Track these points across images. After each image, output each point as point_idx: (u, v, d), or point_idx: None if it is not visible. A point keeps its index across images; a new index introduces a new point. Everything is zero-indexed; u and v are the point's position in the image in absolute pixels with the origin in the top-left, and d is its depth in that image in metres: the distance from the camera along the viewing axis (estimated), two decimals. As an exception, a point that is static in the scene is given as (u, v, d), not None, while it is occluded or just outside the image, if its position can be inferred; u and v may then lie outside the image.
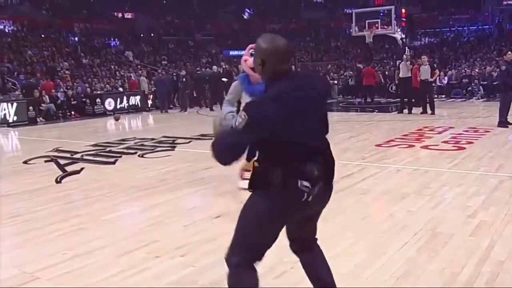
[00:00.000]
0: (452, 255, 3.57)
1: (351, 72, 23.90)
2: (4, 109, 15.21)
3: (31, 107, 15.86)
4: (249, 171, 5.51)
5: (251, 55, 5.49)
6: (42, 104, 16.51)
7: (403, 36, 27.90)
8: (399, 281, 3.16)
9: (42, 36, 26.39)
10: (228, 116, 5.54)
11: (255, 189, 2.26)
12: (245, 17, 34.79)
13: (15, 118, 15.37)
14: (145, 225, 4.64)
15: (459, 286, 3.07)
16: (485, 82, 20.90)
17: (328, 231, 4.27)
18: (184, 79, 18.57)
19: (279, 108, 2.11)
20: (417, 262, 3.47)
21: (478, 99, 19.83)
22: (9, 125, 15.07)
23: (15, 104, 15.52)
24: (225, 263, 2.31)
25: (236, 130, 2.11)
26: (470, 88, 21.15)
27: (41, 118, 16.23)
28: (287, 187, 2.18)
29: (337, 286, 2.52)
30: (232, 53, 34.11)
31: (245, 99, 5.57)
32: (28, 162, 8.21)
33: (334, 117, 12.28)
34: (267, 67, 2.22)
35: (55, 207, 5.33)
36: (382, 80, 21.32)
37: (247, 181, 5.11)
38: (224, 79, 17.52)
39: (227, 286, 2.32)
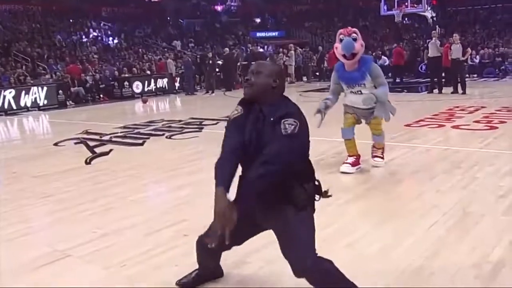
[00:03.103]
0: (483, 235, 3.50)
1: (379, 53, 23.40)
2: (35, 93, 15.46)
3: (60, 91, 16.13)
4: (354, 156, 5.45)
5: (340, 40, 5.28)
6: (72, 88, 16.76)
7: (434, 14, 27.28)
8: (428, 261, 3.11)
9: (71, 21, 26.68)
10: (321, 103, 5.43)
11: (303, 204, 2.39)
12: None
13: (45, 101, 15.62)
14: (173, 204, 4.69)
15: (490, 266, 3.02)
16: (520, 61, 20.31)
17: (356, 211, 4.25)
18: (210, 62, 18.55)
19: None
20: (447, 242, 3.42)
21: (512, 78, 19.31)
22: (39, 108, 15.37)
23: (45, 88, 15.77)
24: (301, 268, 2.31)
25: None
26: (503, 67, 20.57)
27: (70, 102, 16.51)
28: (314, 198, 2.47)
29: (363, 265, 2.49)
30: (259, 34, 33.90)
31: (346, 89, 5.49)
32: (58, 144, 8.37)
33: (362, 98, 12.10)
34: (279, 86, 2.44)
35: (85, 187, 5.43)
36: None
37: (347, 166, 5.20)
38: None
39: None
